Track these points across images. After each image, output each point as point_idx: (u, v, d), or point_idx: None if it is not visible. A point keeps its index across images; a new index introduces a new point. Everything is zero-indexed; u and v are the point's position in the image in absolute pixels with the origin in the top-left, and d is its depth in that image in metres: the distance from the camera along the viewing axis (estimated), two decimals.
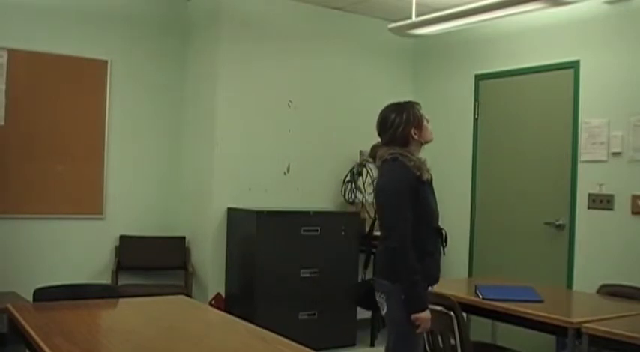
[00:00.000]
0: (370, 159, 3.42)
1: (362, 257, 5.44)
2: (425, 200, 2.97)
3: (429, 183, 3.02)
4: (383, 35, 5.38)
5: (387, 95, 3.66)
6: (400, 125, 2.98)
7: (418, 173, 2.93)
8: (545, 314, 3.16)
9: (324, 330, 5.20)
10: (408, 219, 2.89)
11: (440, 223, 3.08)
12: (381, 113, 3.08)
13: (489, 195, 5.51)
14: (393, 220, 2.94)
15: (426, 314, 2.90)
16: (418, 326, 2.91)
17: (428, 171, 2.99)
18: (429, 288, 3.09)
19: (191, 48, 5.74)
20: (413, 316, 2.88)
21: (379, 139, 3.11)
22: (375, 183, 3.22)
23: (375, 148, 3.14)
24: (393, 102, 3.10)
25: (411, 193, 2.91)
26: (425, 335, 3.45)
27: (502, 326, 3.99)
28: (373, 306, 3.11)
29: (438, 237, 3.05)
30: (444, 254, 3.09)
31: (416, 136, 3.00)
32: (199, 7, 5.66)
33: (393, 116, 3.01)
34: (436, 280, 3.08)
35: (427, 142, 3.07)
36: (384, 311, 3.03)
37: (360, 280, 5.34)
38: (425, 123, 3.04)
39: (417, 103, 3.10)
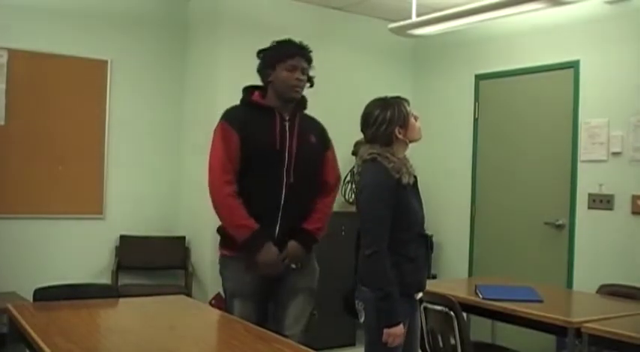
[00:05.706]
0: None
1: None
2: (406, 204, 2.74)
3: (413, 185, 2.80)
4: (383, 35, 5.38)
5: (387, 95, 3.65)
6: (383, 123, 2.75)
7: (397, 176, 2.71)
8: (545, 314, 3.16)
9: (324, 330, 5.19)
10: (384, 225, 2.68)
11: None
12: (365, 108, 2.85)
13: (489, 195, 5.50)
14: (368, 225, 2.73)
15: (397, 330, 2.67)
16: (387, 343, 2.67)
17: (410, 173, 2.75)
18: (417, 295, 2.87)
19: (191, 48, 5.73)
20: (385, 331, 2.66)
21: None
22: (355, 183, 2.93)
23: (357, 145, 2.92)
24: (379, 97, 2.87)
25: (388, 197, 2.69)
26: (426, 336, 3.45)
27: (502, 326, 3.99)
28: (353, 313, 2.89)
29: (422, 243, 2.83)
30: (428, 260, 2.89)
31: (400, 135, 2.77)
32: (199, 7, 5.65)
33: (376, 112, 2.78)
34: (420, 288, 2.86)
35: (413, 141, 2.84)
36: (361, 319, 2.81)
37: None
38: (412, 120, 2.80)
39: (405, 100, 2.85)
